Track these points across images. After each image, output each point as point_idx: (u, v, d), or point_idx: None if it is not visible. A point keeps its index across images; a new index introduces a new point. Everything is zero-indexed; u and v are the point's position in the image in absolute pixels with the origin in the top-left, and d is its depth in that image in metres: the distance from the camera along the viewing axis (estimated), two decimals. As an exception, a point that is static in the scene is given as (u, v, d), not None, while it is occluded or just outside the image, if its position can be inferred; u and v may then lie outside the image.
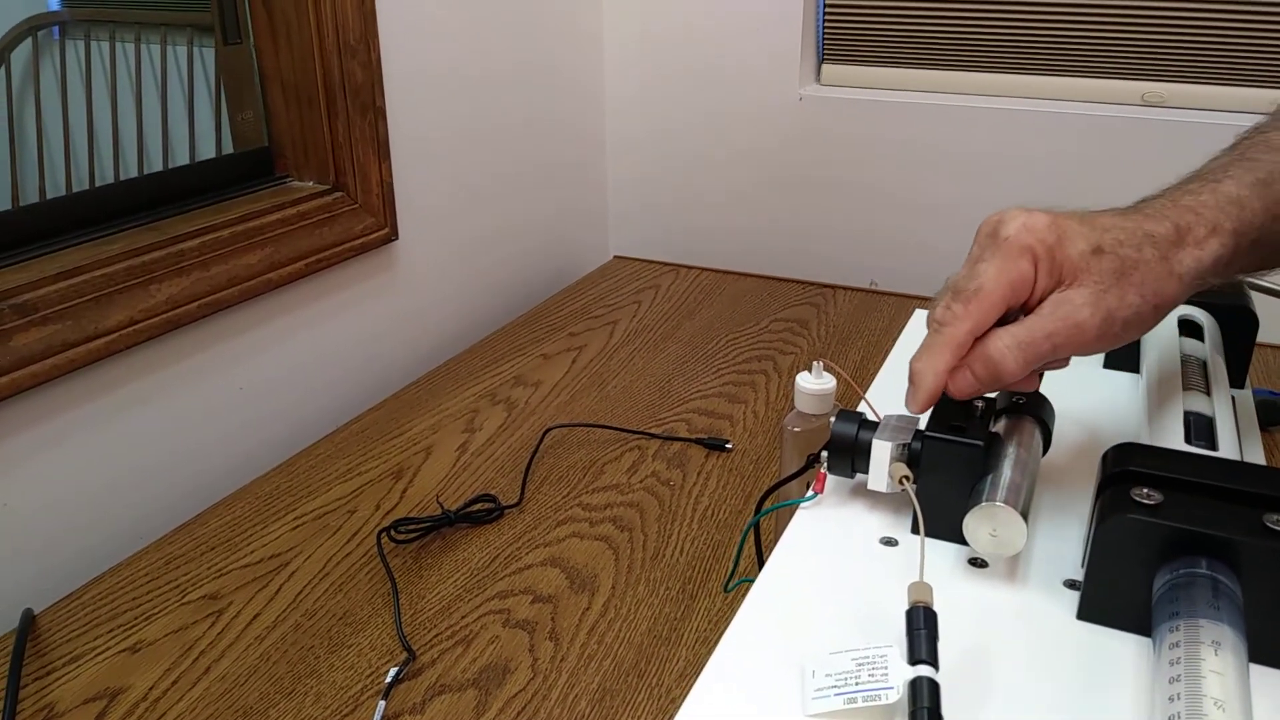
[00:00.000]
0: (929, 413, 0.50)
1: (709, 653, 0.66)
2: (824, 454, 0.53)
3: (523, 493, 0.83)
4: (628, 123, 1.46)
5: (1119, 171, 1.19)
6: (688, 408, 0.98)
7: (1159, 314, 0.47)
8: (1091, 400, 0.64)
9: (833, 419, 0.53)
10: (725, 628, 0.68)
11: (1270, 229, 0.48)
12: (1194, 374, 0.56)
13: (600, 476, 0.86)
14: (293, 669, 0.65)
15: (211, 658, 0.66)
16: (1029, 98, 1.26)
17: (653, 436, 0.92)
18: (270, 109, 0.98)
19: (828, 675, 0.40)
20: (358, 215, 1.01)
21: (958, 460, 0.48)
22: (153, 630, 0.68)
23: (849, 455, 0.52)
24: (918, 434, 0.50)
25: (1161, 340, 0.62)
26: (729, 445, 0.90)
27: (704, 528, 0.79)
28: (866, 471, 0.51)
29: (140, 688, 0.63)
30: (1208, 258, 0.47)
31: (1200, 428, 0.51)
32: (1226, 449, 0.49)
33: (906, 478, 0.49)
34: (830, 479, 0.54)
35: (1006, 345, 0.47)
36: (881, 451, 0.50)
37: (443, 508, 0.80)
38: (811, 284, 1.29)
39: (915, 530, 0.51)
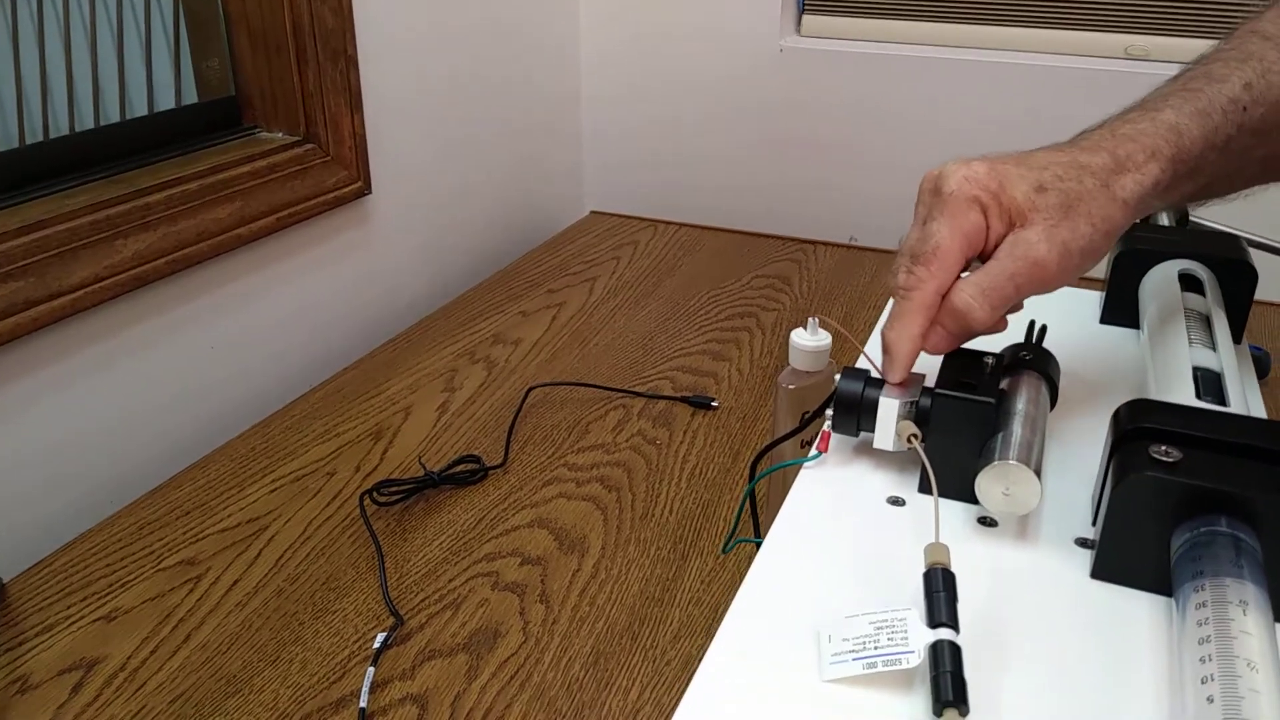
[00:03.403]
0: (937, 369, 0.49)
1: (702, 613, 0.66)
2: (828, 412, 0.51)
3: (507, 453, 0.82)
4: (603, 75, 1.43)
5: (1101, 126, 1.18)
6: (671, 365, 0.96)
7: (1109, 240, 0.48)
8: (1092, 355, 0.63)
9: (837, 376, 0.51)
10: (719, 588, 0.68)
11: (1208, 157, 0.49)
12: (1198, 329, 0.56)
13: (585, 436, 0.84)
14: (276, 636, 0.63)
15: (191, 625, 0.64)
16: (1012, 50, 1.24)
17: (637, 395, 0.90)
18: (236, 56, 0.94)
19: (844, 640, 0.39)
20: (330, 168, 0.98)
21: (969, 418, 0.47)
22: (128, 598, 0.66)
23: (854, 413, 0.50)
24: (926, 391, 0.49)
25: (1162, 294, 0.61)
26: (715, 403, 0.89)
27: (693, 487, 0.78)
28: (872, 430, 0.50)
29: (118, 657, 0.61)
30: (1148, 181, 0.47)
31: (1209, 383, 0.50)
32: (1236, 404, 0.48)
33: (915, 436, 0.48)
34: (833, 438, 0.53)
35: (971, 295, 0.47)
36: (889, 409, 0.49)
37: (425, 469, 0.78)
38: (792, 240, 1.28)
39: (923, 489, 0.49)
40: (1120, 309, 0.67)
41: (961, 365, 0.49)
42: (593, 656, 0.61)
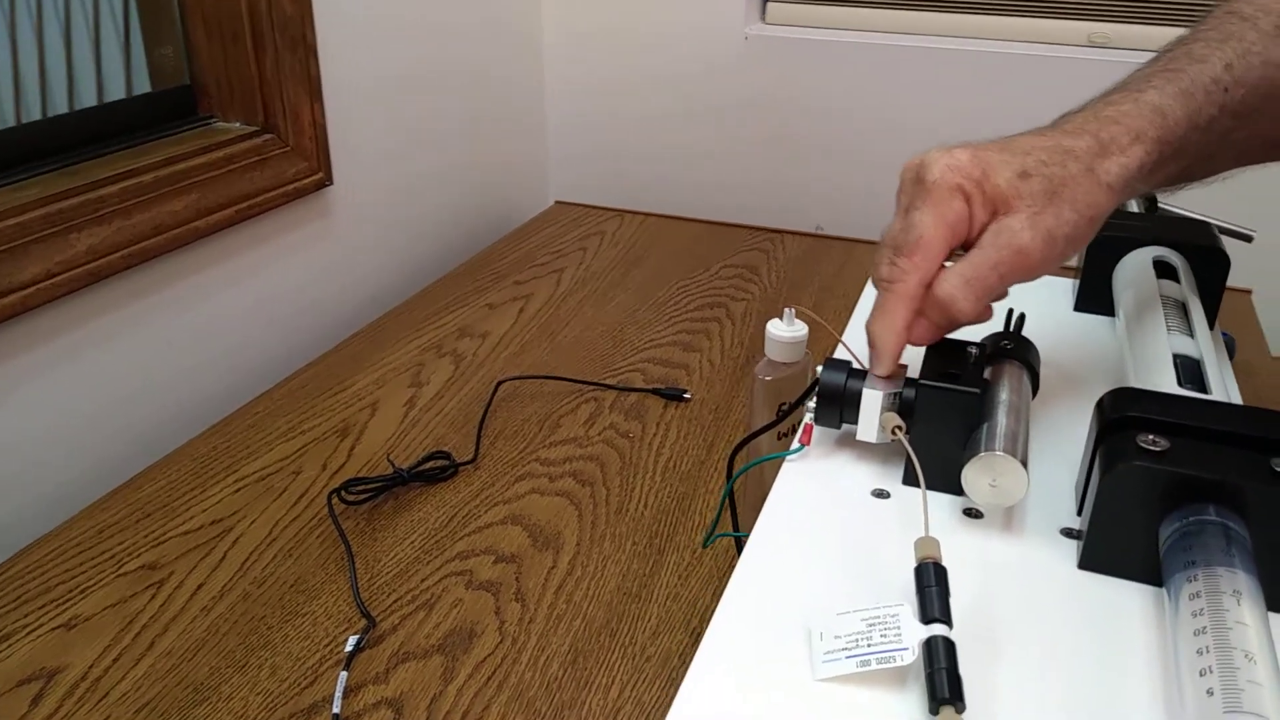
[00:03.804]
0: (919, 360, 0.49)
1: (681, 609, 0.65)
2: (810, 404, 0.51)
3: (477, 449, 0.80)
4: (567, 64, 1.41)
5: (1062, 113, 1.18)
6: (642, 357, 0.95)
7: (1094, 226, 0.47)
8: (1067, 344, 0.63)
9: (820, 368, 0.50)
10: (697, 582, 0.67)
11: (1191, 138, 0.48)
12: (1176, 316, 0.56)
13: (557, 430, 0.83)
14: (244, 641, 0.61)
15: (155, 632, 0.62)
16: (975, 38, 1.25)
17: (608, 388, 0.89)
18: (191, 44, 0.91)
19: (836, 637, 0.38)
20: (289, 159, 0.95)
21: (954, 409, 0.46)
22: (89, 604, 0.64)
23: (837, 405, 0.50)
24: (909, 382, 0.48)
25: (1137, 281, 0.61)
26: (687, 395, 0.88)
27: (667, 480, 0.77)
28: (855, 422, 0.50)
29: (79, 666, 0.59)
30: (1133, 164, 0.47)
31: (1189, 370, 0.50)
32: (1217, 392, 0.48)
33: (899, 428, 0.48)
34: (815, 430, 0.52)
35: (954, 285, 0.46)
36: (872, 401, 0.48)
37: (394, 466, 0.76)
38: (759, 229, 1.27)
39: (907, 481, 0.49)
40: (1094, 296, 0.67)
41: (945, 355, 0.48)
42: (571, 655, 0.60)
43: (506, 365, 0.94)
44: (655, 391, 0.88)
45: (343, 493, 0.73)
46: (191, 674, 0.59)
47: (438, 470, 0.77)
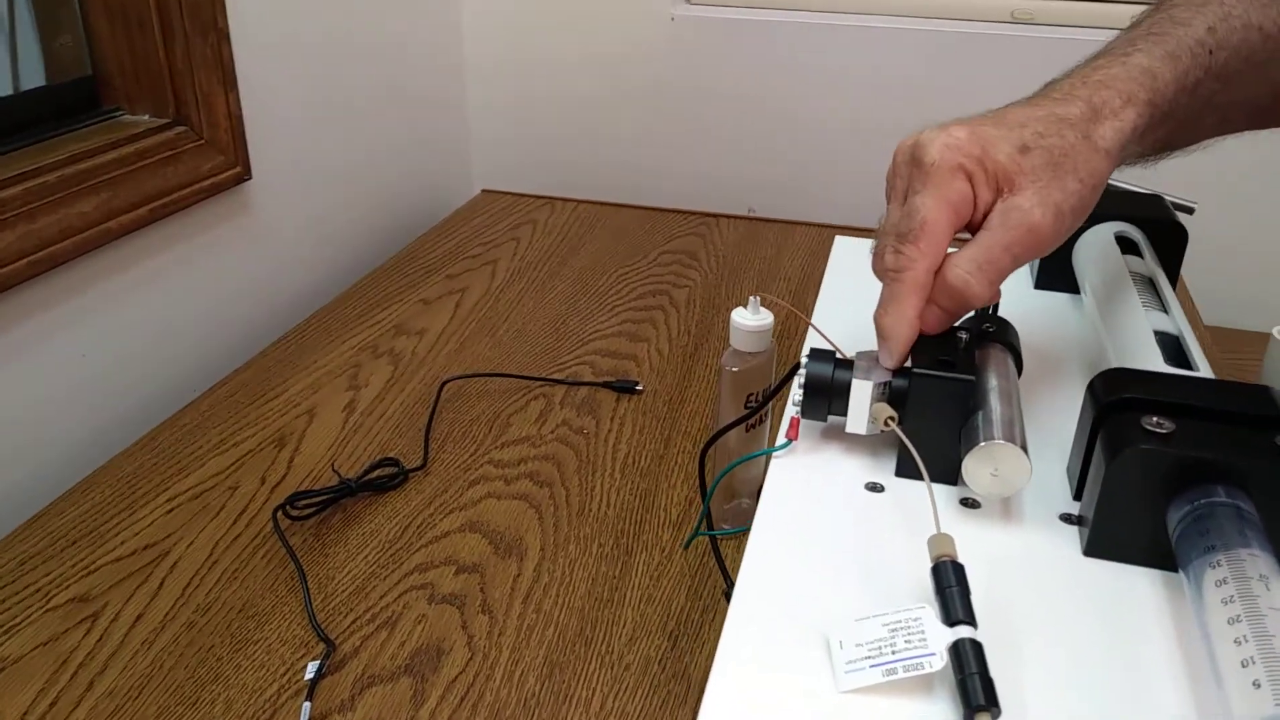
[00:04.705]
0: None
1: (656, 611, 0.63)
2: (796, 397, 0.49)
3: (426, 453, 0.77)
4: (488, 46, 1.37)
5: (989, 88, 1.18)
6: (589, 349, 0.92)
7: (1097, 194, 0.47)
8: (1033, 323, 0.62)
9: (804, 358, 0.49)
10: (669, 582, 0.65)
11: (1179, 101, 0.48)
12: (1147, 292, 0.55)
13: (508, 429, 0.80)
14: (193, 674, 0.57)
15: (93, 671, 0.57)
16: (900, 15, 1.24)
17: (557, 383, 0.86)
18: (93, 31, 0.84)
19: (858, 645, 0.36)
20: (205, 152, 0.90)
21: (949, 397, 0.45)
22: (16, 645, 0.59)
23: (825, 397, 0.48)
24: (899, 371, 0.47)
25: (1101, 258, 0.61)
26: (639, 387, 0.85)
27: (628, 477, 0.74)
28: (843, 414, 0.48)
29: (11, 714, 0.54)
30: (1126, 127, 0.46)
31: (1171, 348, 0.50)
32: (1202, 368, 0.48)
33: (892, 418, 0.46)
34: (801, 423, 0.50)
35: (967, 270, 0.45)
36: (862, 392, 0.47)
37: (340, 476, 0.72)
38: (693, 213, 1.25)
39: (900, 473, 0.48)
40: (1054, 273, 0.67)
41: (935, 342, 0.47)
42: (547, 668, 0.58)
43: (448, 363, 0.90)
44: (606, 385, 0.86)
45: (288, 508, 0.68)
46: (138, 713, 0.54)
47: (386, 478, 0.73)
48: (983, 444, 0.43)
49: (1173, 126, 0.49)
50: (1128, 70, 0.47)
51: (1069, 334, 0.61)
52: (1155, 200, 0.67)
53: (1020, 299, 0.66)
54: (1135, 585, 0.41)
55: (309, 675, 0.56)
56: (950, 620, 0.36)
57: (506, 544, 0.67)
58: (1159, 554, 0.41)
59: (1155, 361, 0.48)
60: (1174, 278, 0.64)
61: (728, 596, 0.57)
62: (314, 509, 0.70)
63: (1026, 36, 1.18)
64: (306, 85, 1.05)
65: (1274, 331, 0.68)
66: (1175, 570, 0.40)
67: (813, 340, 0.52)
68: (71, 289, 0.79)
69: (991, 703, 0.34)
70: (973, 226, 0.46)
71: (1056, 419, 0.51)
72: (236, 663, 0.58)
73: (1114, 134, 0.45)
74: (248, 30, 0.93)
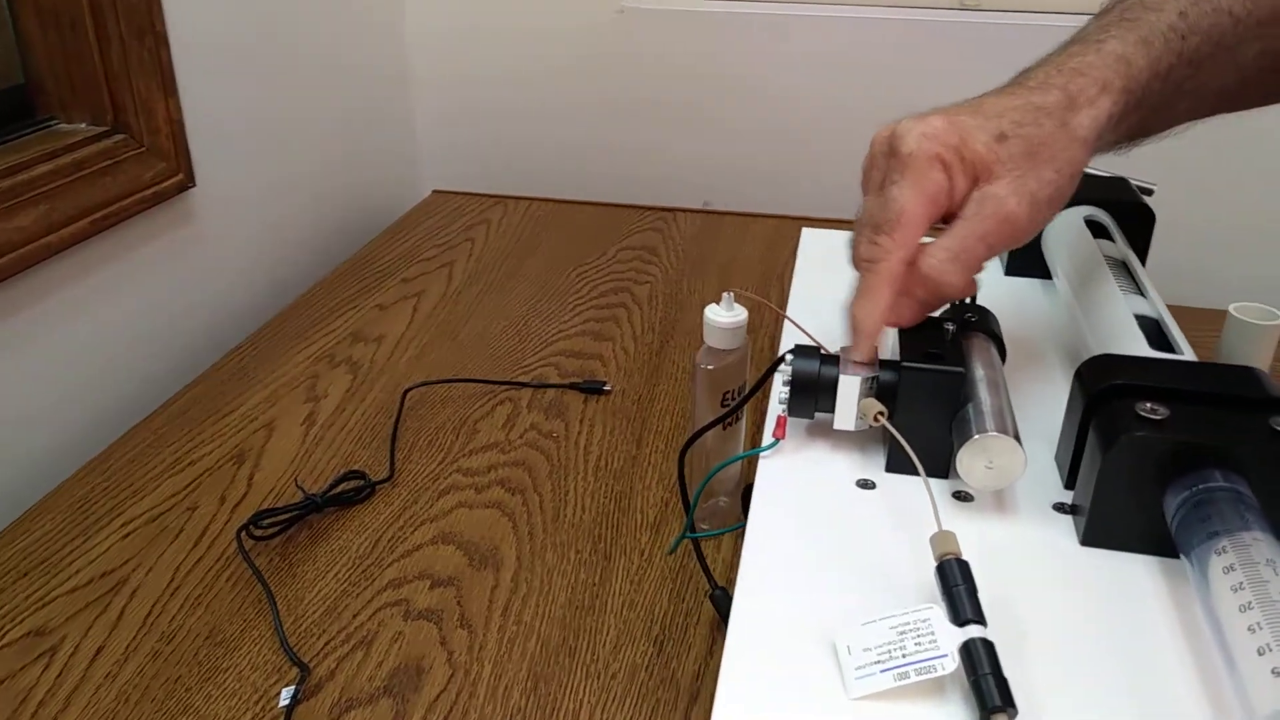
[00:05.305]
0: (894, 343, 0.47)
1: (639, 617, 0.62)
2: (782, 395, 0.48)
3: (392, 464, 0.74)
4: (433, 46, 1.34)
5: (937, 76, 1.19)
6: (553, 350, 0.91)
7: (1074, 183, 0.47)
8: (1006, 310, 0.62)
9: (789, 356, 0.48)
10: (650, 586, 0.63)
11: (1153, 87, 0.48)
12: (1122, 276, 0.55)
13: (475, 436, 0.78)
14: (161, 707, 0.55)
15: (54, 708, 0.54)
16: (847, 5, 1.24)
17: (523, 386, 0.85)
18: (23, 36, 0.81)
19: (866, 650, 0.35)
20: (145, 160, 0.86)
21: (940, 390, 0.44)
22: (-32, 686, 0.56)
23: (812, 394, 0.47)
24: (885, 365, 0.46)
25: (1072, 242, 0.61)
26: (607, 387, 0.84)
27: (601, 480, 0.73)
28: (829, 410, 0.47)
29: (-34, 762, 0.51)
30: (1103, 115, 0.46)
31: (1153, 331, 0.50)
32: (1186, 351, 0.48)
33: (881, 413, 0.45)
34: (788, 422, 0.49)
35: (942, 260, 0.44)
36: (850, 388, 0.46)
37: (305, 492, 0.70)
38: (649, 208, 1.24)
39: (890, 469, 0.47)
40: (1026, 260, 0.67)
41: (923, 335, 0.46)
42: (531, 681, 0.56)
43: (409, 370, 0.88)
44: (573, 386, 0.84)
45: (251, 527, 0.66)
46: (104, 753, 0.52)
47: (353, 492, 0.71)
48: (976, 437, 0.42)
49: (1146, 113, 0.48)
50: (1102, 57, 0.47)
51: (1044, 320, 0.61)
52: (1120, 182, 0.68)
53: (992, 286, 0.66)
54: (1135, 573, 0.41)
55: (284, 702, 0.54)
56: (960, 620, 0.35)
57: (481, 555, 0.66)
58: (1156, 540, 0.41)
59: (1139, 346, 0.48)
60: (1144, 259, 0.64)
61: (711, 598, 0.56)
62: (279, 527, 0.67)
63: (975, 23, 1.19)
64: (249, 88, 1.01)
65: (1230, 308, 0.68)
66: (1173, 556, 0.40)
67: (790, 335, 0.52)
68: (10, 308, 0.76)
69: (1008, 703, 0.33)
70: (949, 216, 0.45)
71: (1041, 407, 0.50)
72: (206, 693, 0.55)
73: (1090, 121, 0.45)
74: (186, 33, 0.89)
